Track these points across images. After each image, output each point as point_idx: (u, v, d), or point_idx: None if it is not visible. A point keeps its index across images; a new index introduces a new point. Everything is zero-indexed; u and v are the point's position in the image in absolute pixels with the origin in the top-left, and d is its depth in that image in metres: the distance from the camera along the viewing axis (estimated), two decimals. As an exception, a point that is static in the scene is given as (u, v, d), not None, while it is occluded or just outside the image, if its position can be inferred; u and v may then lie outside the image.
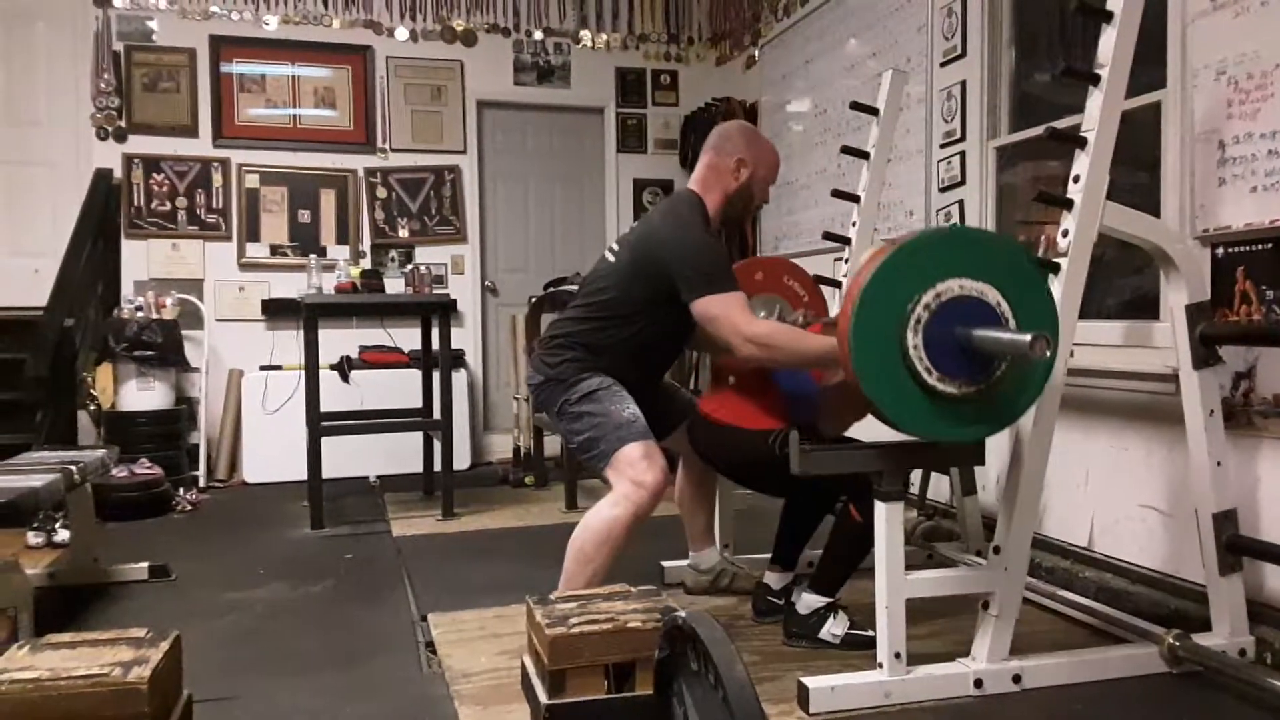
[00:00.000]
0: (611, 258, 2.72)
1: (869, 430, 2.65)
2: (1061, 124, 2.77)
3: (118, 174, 5.50)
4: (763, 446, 2.61)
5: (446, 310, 4.51)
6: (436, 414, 4.58)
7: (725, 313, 2.45)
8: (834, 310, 3.43)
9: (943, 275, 2.11)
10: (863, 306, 2.10)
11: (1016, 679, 2.33)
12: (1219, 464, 2.43)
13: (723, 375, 2.93)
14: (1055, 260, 2.36)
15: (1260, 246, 2.55)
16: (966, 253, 2.15)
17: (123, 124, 5.55)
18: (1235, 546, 2.42)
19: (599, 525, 2.47)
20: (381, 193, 5.98)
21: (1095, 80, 2.35)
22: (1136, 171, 3.01)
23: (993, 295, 2.12)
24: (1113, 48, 2.33)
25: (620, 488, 2.49)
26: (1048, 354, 2.01)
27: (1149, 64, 2.79)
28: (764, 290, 3.14)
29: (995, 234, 2.47)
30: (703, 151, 2.76)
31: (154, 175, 5.58)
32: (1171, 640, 2.39)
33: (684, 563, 3.20)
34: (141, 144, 5.58)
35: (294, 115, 5.88)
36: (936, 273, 2.11)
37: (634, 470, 2.48)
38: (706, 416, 2.82)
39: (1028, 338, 1.98)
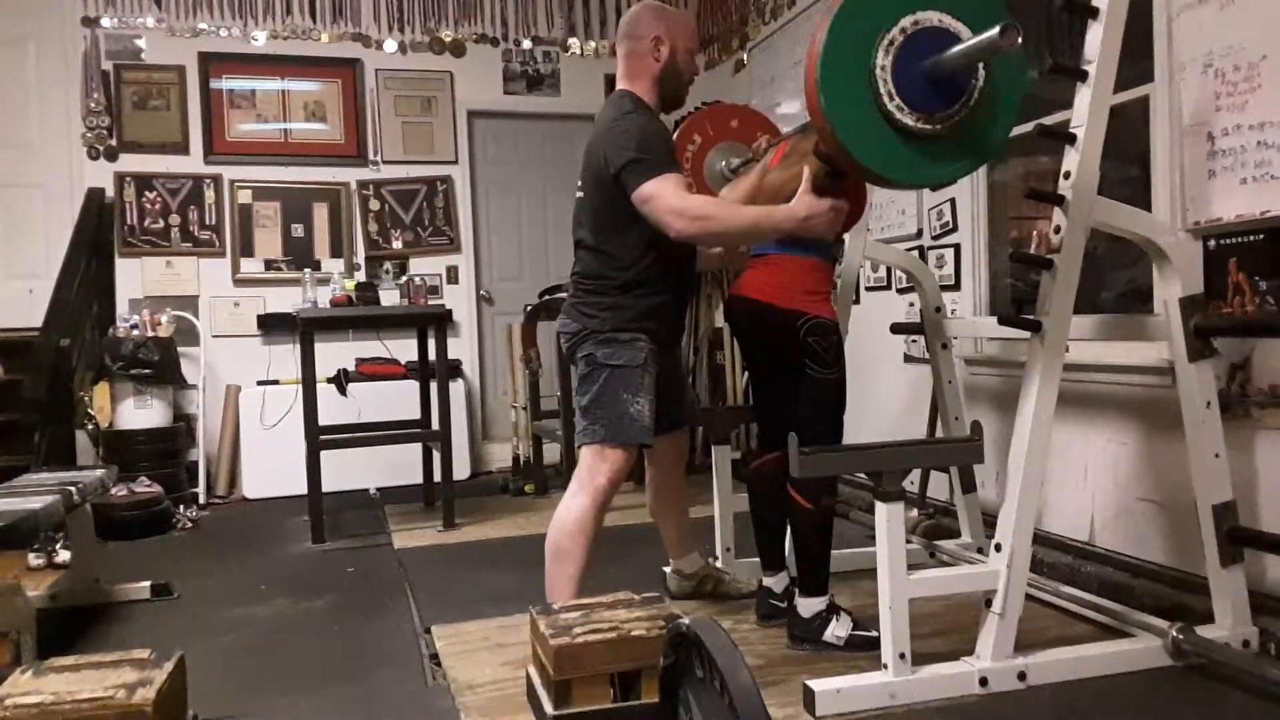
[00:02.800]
0: (580, 194, 2.65)
1: (872, 429, 2.66)
2: (1051, 120, 2.78)
3: (110, 193, 5.50)
4: (792, 325, 2.65)
5: (442, 321, 4.51)
6: (435, 424, 4.58)
7: (658, 192, 2.36)
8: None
9: (920, 5, 2.06)
10: (832, 36, 2.04)
11: (1022, 676, 2.33)
12: (1217, 455, 2.43)
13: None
14: (1048, 256, 2.37)
15: (1252, 237, 2.56)
16: None
17: (113, 143, 5.55)
18: (1236, 538, 2.42)
19: (568, 518, 2.50)
20: (374, 205, 5.98)
21: (1083, 76, 2.36)
22: (1127, 166, 3.02)
23: (968, 35, 2.07)
24: (1099, 43, 2.34)
25: (580, 477, 2.54)
26: (1019, 40, 1.92)
27: (1136, 58, 2.80)
28: (737, 138, 3.11)
29: None
30: (618, 44, 2.69)
31: (146, 193, 5.58)
32: (1175, 633, 2.39)
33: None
34: (133, 162, 5.58)
35: (285, 130, 5.88)
36: (911, 3, 2.07)
37: (604, 463, 2.51)
38: (744, 297, 2.80)
39: (995, 30, 1.91)
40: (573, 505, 2.52)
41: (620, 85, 2.67)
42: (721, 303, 4.25)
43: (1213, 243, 2.67)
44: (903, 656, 2.27)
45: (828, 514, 2.65)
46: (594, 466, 2.53)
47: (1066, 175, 2.37)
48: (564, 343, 2.69)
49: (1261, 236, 2.53)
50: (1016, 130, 3.60)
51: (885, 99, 2.05)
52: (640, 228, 2.48)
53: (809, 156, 2.43)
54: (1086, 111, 2.34)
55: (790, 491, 2.64)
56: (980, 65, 2.10)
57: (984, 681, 2.31)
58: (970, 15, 2.09)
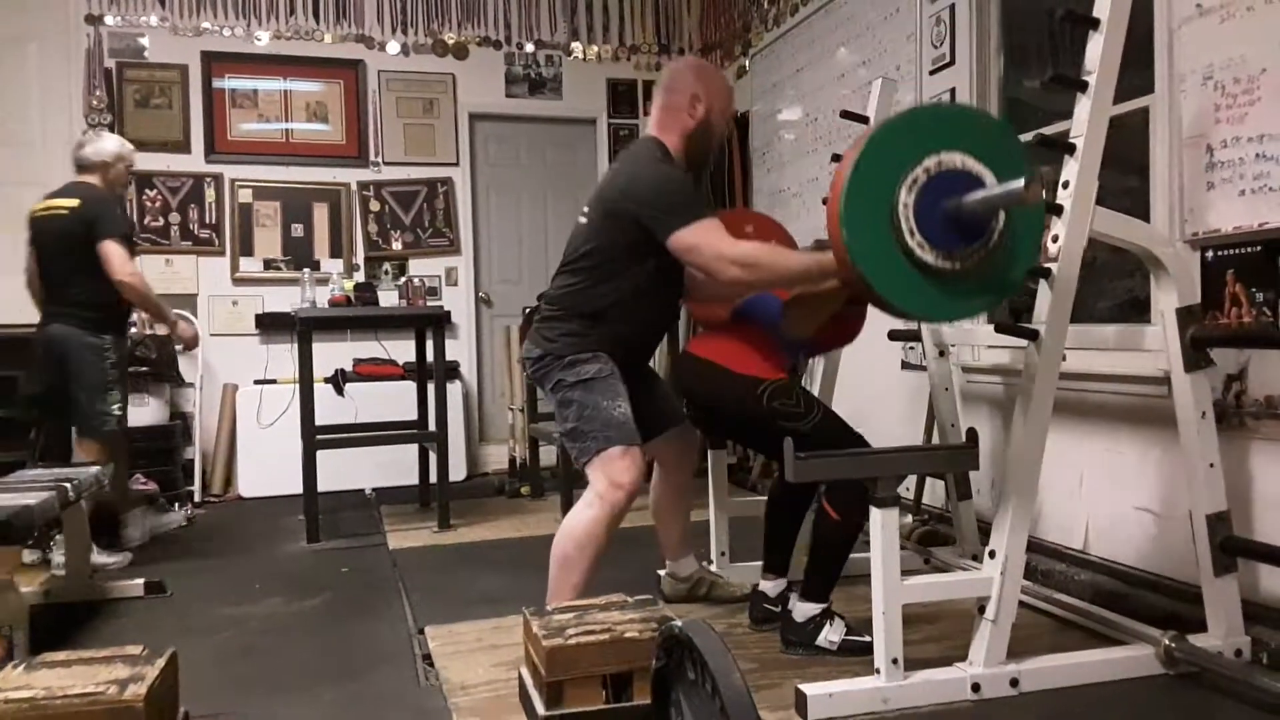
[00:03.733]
0: (584, 220, 2.67)
1: (869, 434, 2.66)
2: (1050, 130, 2.79)
3: (110, 190, 5.50)
4: (751, 394, 2.59)
5: (440, 322, 4.51)
6: (432, 426, 4.58)
7: (704, 239, 2.39)
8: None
9: (944, 147, 2.10)
10: (857, 174, 2.08)
11: (1014, 683, 2.33)
12: (1212, 465, 2.43)
13: (704, 324, 2.89)
14: (1045, 266, 2.37)
15: (1249, 249, 2.57)
16: (969, 131, 2.15)
17: (115, 140, 5.55)
18: (1229, 547, 2.42)
19: (578, 528, 2.49)
20: (374, 206, 5.99)
21: (1083, 87, 2.37)
22: (1126, 176, 3.03)
23: (991, 180, 2.11)
24: (1100, 54, 2.34)
25: (597, 486, 2.50)
26: (1043, 195, 1.97)
27: (1137, 69, 2.81)
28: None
29: (997, 119, 2.44)
30: (655, 93, 2.72)
31: (147, 191, 5.59)
32: (1167, 642, 2.39)
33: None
34: (134, 160, 5.57)
35: (286, 130, 5.89)
36: (938, 143, 2.10)
37: (612, 470, 2.48)
38: (695, 356, 2.79)
39: (1020, 183, 1.96)
40: (584, 517, 2.50)
41: (651, 132, 2.69)
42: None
43: (1210, 254, 2.67)
44: (895, 661, 2.27)
45: (855, 529, 2.59)
46: (609, 475, 2.50)
47: (1065, 185, 2.37)
48: (528, 369, 2.74)
49: (1259, 248, 2.54)
50: (1016, 139, 3.62)
51: (907, 236, 2.09)
52: (633, 272, 2.54)
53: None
54: (1086, 122, 2.35)
55: (822, 501, 2.62)
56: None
57: (976, 687, 2.31)
58: (992, 158, 2.14)
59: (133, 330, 4.95)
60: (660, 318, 2.76)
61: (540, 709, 1.73)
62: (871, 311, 4.38)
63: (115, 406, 3.87)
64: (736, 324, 2.80)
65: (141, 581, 3.46)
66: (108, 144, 4.03)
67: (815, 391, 3.45)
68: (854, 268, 2.12)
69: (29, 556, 3.88)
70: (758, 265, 2.39)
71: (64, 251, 3.86)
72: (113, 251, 3.79)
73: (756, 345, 2.72)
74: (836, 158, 3.53)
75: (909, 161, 2.09)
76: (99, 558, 3.78)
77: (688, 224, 2.41)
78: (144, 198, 5.58)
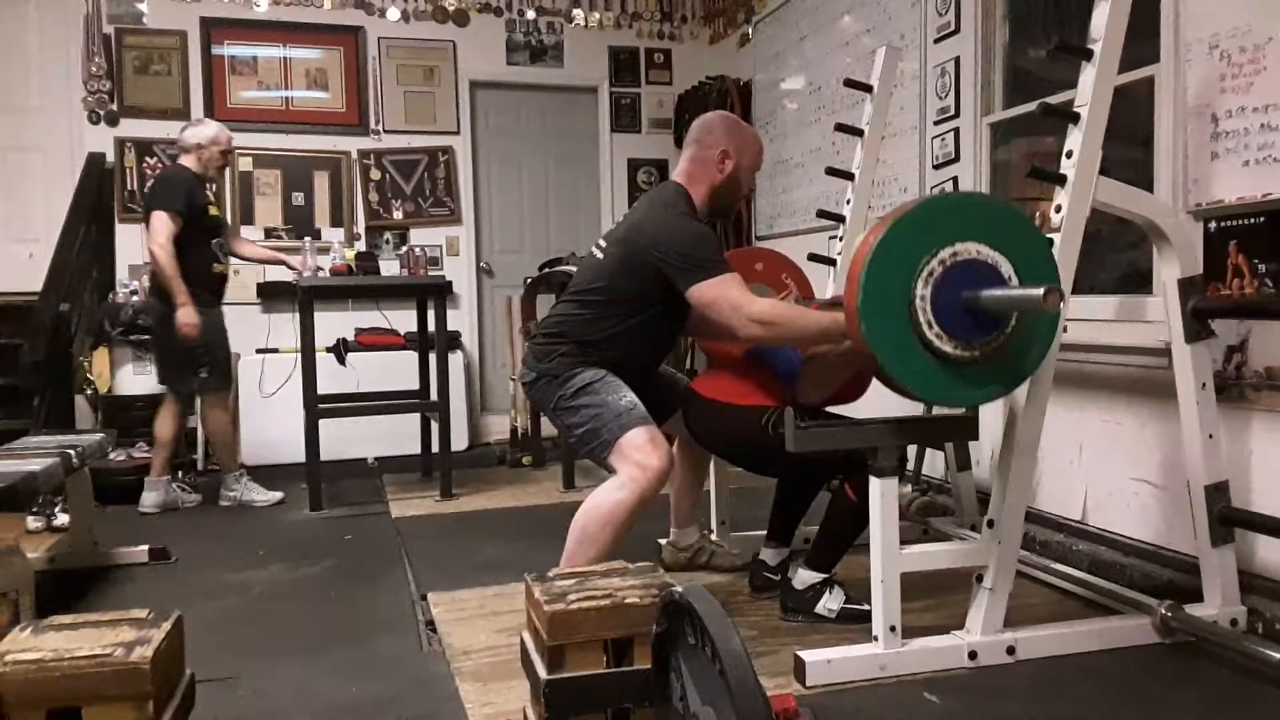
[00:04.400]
0: (599, 254, 2.69)
1: (868, 405, 2.67)
2: (1055, 99, 2.77)
3: (110, 158, 5.48)
4: (755, 424, 2.62)
5: (442, 292, 4.51)
6: (434, 395, 4.59)
7: (724, 294, 2.41)
8: (824, 293, 3.44)
9: (958, 237, 2.12)
10: (872, 268, 2.10)
11: (1011, 651, 2.35)
12: (1211, 437, 2.45)
13: (713, 359, 2.94)
14: (1049, 235, 2.37)
15: (1252, 220, 2.56)
16: (982, 219, 2.17)
17: (114, 107, 5.52)
18: (1227, 518, 2.44)
19: (603, 507, 2.46)
20: (375, 175, 5.96)
21: (1088, 55, 2.35)
22: (1131, 147, 3.02)
23: (1006, 268, 2.14)
24: (1105, 22, 2.33)
25: (626, 471, 2.46)
26: (1061, 306, 2.02)
27: (1142, 38, 2.78)
28: (761, 280, 3.15)
29: (1009, 204, 2.49)
30: (685, 144, 2.75)
31: (146, 159, 5.56)
32: (1164, 611, 2.41)
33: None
34: (133, 127, 5.55)
35: (286, 97, 5.85)
36: (952, 234, 2.13)
37: (640, 454, 2.46)
38: (700, 396, 2.83)
39: (1040, 291, 1.99)
40: (612, 499, 2.46)
41: (678, 180, 2.70)
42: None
43: (1213, 225, 2.67)
44: (893, 629, 2.30)
45: (868, 515, 2.62)
46: (635, 460, 2.46)
47: (1069, 154, 2.36)
48: (527, 393, 2.77)
49: (1262, 219, 2.53)
50: (1021, 110, 3.60)
51: (925, 327, 2.11)
52: (641, 312, 2.57)
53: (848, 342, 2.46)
54: (1091, 91, 2.34)
55: (844, 482, 2.62)
56: None
57: (973, 655, 2.33)
58: (1007, 245, 2.15)
59: (134, 299, 4.96)
60: (657, 349, 2.79)
61: (542, 672, 1.75)
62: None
63: (204, 370, 4.23)
64: (746, 362, 2.81)
65: (146, 548, 3.49)
66: (202, 129, 4.36)
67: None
68: (874, 359, 2.16)
69: (33, 523, 3.90)
70: (776, 324, 2.40)
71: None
72: (154, 221, 4.09)
73: (759, 379, 2.75)
74: (841, 128, 3.52)
75: (924, 254, 2.11)
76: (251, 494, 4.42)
77: (709, 278, 2.43)
78: (144, 165, 5.55)
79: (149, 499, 4.30)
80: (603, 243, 2.72)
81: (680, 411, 2.88)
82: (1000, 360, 2.19)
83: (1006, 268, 2.15)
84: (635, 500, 2.44)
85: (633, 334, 2.61)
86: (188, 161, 4.31)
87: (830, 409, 2.80)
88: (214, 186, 4.61)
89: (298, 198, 5.85)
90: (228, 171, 5.62)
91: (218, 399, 4.37)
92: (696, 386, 2.87)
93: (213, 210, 4.32)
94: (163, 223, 4.07)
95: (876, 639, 2.31)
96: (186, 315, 4.08)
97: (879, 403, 2.64)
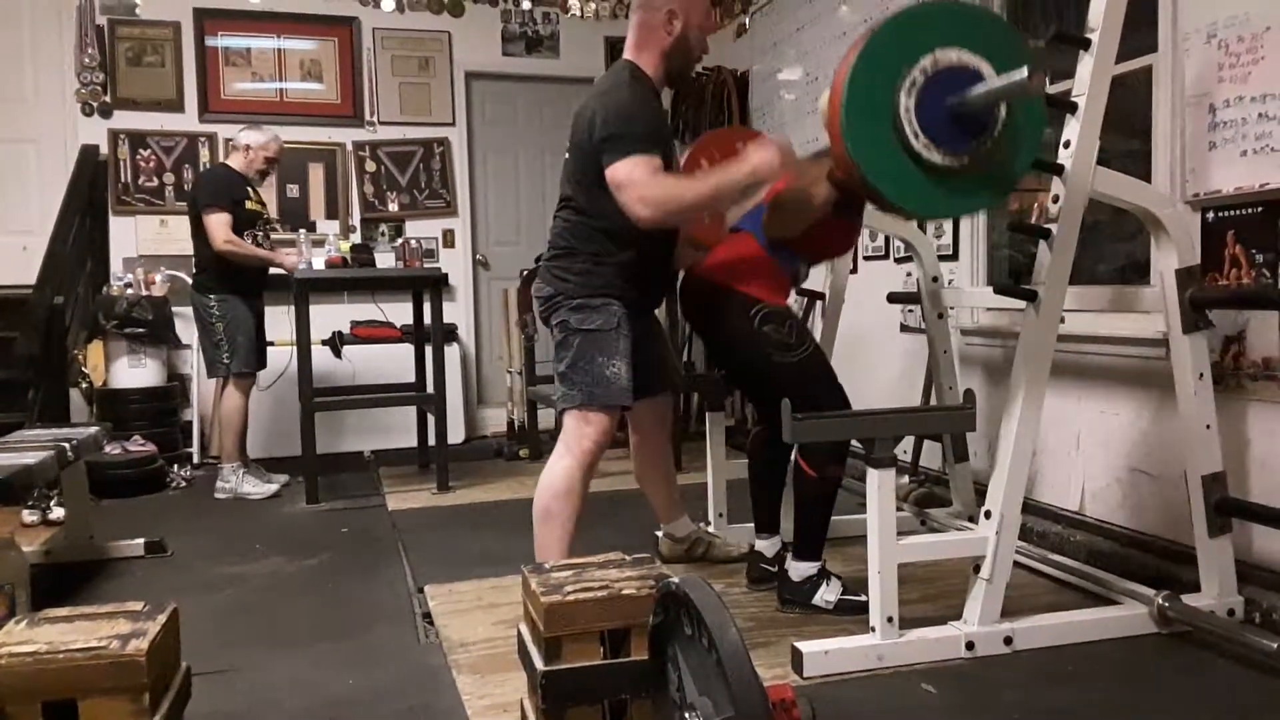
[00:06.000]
0: (567, 154, 2.64)
1: (862, 398, 2.66)
2: (1053, 89, 2.76)
3: (104, 150, 5.46)
4: (744, 313, 2.60)
5: (438, 284, 4.49)
6: (430, 388, 4.58)
7: (628, 179, 2.34)
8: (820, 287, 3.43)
9: (937, 44, 2.11)
10: (853, 85, 2.09)
11: (1008, 641, 2.36)
12: (1208, 427, 2.44)
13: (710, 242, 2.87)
14: (1045, 226, 2.36)
15: (1250, 210, 2.55)
16: (958, 25, 2.16)
17: (108, 99, 5.49)
18: (1224, 508, 2.44)
19: (555, 480, 2.53)
20: (370, 166, 5.94)
21: (1086, 45, 2.34)
22: (1129, 138, 3.01)
23: (988, 69, 2.12)
24: (1103, 12, 2.32)
25: (566, 437, 2.56)
26: (1046, 85, 2.00)
27: (1140, 27, 2.77)
28: None
29: (983, 7, 2.47)
30: (631, 13, 2.67)
31: (140, 151, 5.54)
32: (1161, 601, 2.42)
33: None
34: (127, 119, 5.53)
35: (280, 89, 5.83)
36: (930, 42, 2.11)
37: (585, 428, 2.53)
38: (697, 275, 2.77)
39: (1024, 74, 1.97)
40: (558, 469, 2.54)
41: (627, 55, 2.64)
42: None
43: (1211, 215, 2.66)
44: (890, 620, 2.30)
45: (833, 483, 2.64)
46: (578, 430, 2.55)
47: (1067, 144, 2.36)
48: (538, 307, 2.72)
49: (1260, 209, 2.53)
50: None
51: (911, 138, 2.10)
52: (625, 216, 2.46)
53: (822, 182, 2.44)
54: (1088, 80, 2.33)
55: (798, 459, 2.64)
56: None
57: (970, 645, 2.33)
58: (988, 49, 2.13)
59: (129, 291, 4.95)
60: (660, 244, 2.65)
61: (539, 664, 1.75)
62: (870, 283, 4.38)
63: (225, 355, 4.43)
64: (735, 243, 2.77)
65: (142, 541, 3.48)
66: (254, 134, 4.61)
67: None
68: (862, 177, 2.13)
69: (29, 517, 3.89)
70: (668, 201, 2.35)
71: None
72: (209, 223, 4.36)
73: (759, 268, 2.69)
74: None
75: (905, 64, 2.09)
76: (245, 486, 4.45)
77: (622, 157, 2.36)
78: (138, 158, 5.53)
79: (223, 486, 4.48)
80: (569, 142, 2.65)
81: (656, 399, 2.87)
82: (989, 167, 2.19)
83: (988, 69, 2.12)
84: (577, 466, 2.53)
85: (626, 223, 2.48)
86: (234, 159, 4.60)
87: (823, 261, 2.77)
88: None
89: (293, 190, 5.83)
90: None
91: (239, 383, 4.50)
92: (696, 268, 2.80)
93: (249, 205, 4.53)
94: (219, 222, 4.34)
95: (874, 630, 2.31)
96: (289, 261, 4.45)
97: (875, 394, 2.64)
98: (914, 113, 2.09)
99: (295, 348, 4.33)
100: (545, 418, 5.34)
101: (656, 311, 2.89)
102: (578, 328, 2.54)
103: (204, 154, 5.63)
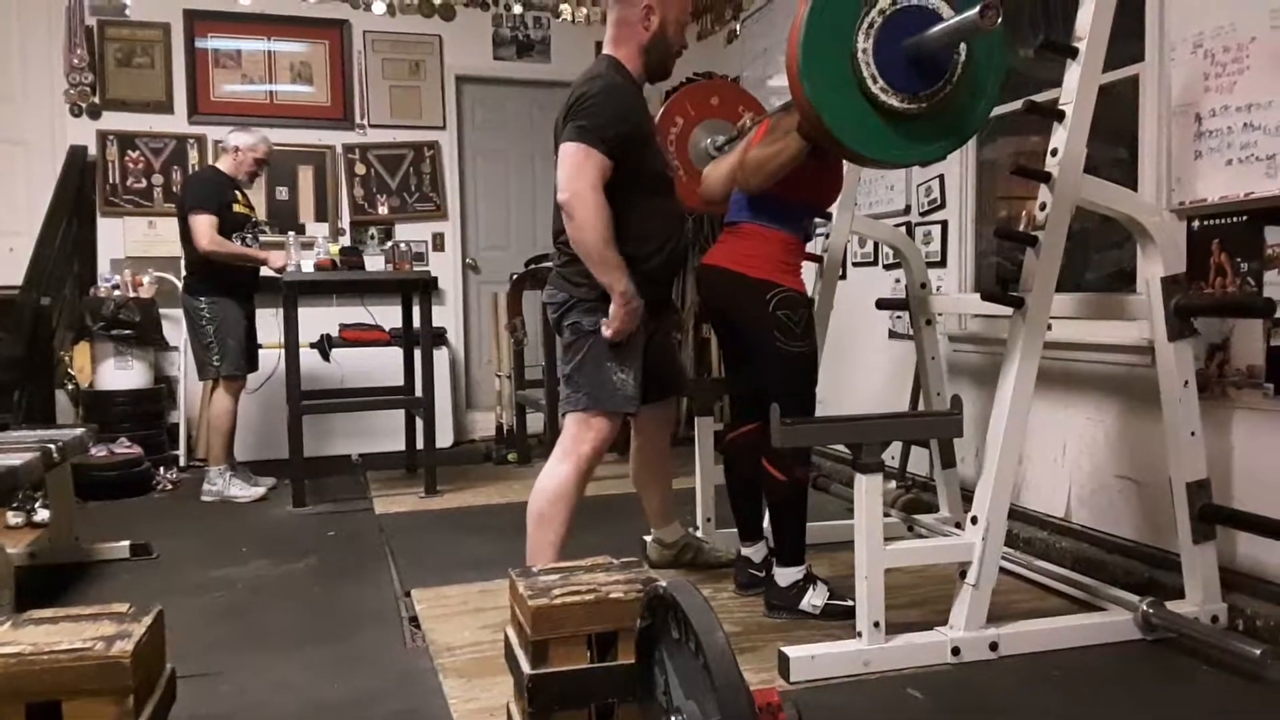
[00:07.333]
0: (555, 153, 2.61)
1: (850, 404, 2.67)
2: (1040, 98, 2.78)
3: (92, 151, 5.44)
4: (761, 297, 2.61)
5: (427, 288, 4.49)
6: (418, 392, 4.57)
7: (570, 158, 2.39)
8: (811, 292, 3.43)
9: None
10: (811, 24, 2.10)
11: (994, 646, 2.36)
12: (1193, 434, 2.46)
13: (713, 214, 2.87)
14: (1032, 233, 2.38)
15: (1235, 219, 2.58)
16: None
17: (96, 100, 5.48)
18: (1208, 515, 2.45)
19: (550, 484, 2.53)
20: (360, 169, 5.93)
21: (1073, 54, 2.36)
22: (1115, 147, 3.03)
23: (948, 10, 2.12)
24: (1091, 21, 2.33)
25: (565, 442, 2.55)
26: (999, 20, 1.97)
27: (1127, 37, 2.80)
28: (719, 115, 3.11)
29: None
30: (609, 8, 2.68)
31: (129, 152, 5.52)
32: (1146, 607, 2.43)
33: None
34: (116, 120, 5.51)
35: (270, 91, 5.82)
36: None
37: (586, 433, 2.53)
38: (711, 266, 2.78)
39: (975, 11, 1.96)
40: (555, 473, 2.53)
41: (606, 49, 2.65)
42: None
43: (1197, 223, 2.68)
44: (877, 625, 2.30)
45: (801, 484, 2.66)
46: (578, 435, 2.54)
47: (1054, 152, 2.37)
48: (550, 313, 2.68)
49: (1245, 218, 2.55)
50: (1006, 108, 3.61)
51: (869, 82, 2.09)
52: (615, 190, 2.46)
53: (792, 134, 2.44)
54: (1076, 89, 2.35)
55: (764, 463, 2.65)
56: (962, 43, 2.11)
57: (956, 651, 2.34)
58: None
59: (116, 292, 4.92)
60: (668, 228, 2.63)
61: (525, 667, 1.74)
62: (859, 289, 4.39)
63: (215, 358, 4.42)
64: (739, 234, 2.76)
65: (127, 544, 3.46)
66: (243, 135, 4.62)
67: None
68: (819, 121, 2.13)
69: (13, 518, 3.86)
70: (573, 197, 2.39)
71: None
72: (195, 225, 4.34)
73: (768, 248, 2.69)
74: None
75: (862, 5, 2.08)
76: (232, 489, 4.43)
77: (573, 139, 2.41)
78: (126, 159, 5.51)
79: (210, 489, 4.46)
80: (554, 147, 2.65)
81: (662, 404, 2.87)
82: (947, 114, 2.19)
83: (948, 11, 2.12)
84: (574, 471, 2.52)
85: (629, 214, 2.49)
86: (223, 162, 4.59)
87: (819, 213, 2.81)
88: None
89: (282, 192, 5.82)
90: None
91: (229, 386, 4.48)
92: (708, 258, 2.81)
93: (238, 207, 4.52)
94: (204, 224, 4.32)
95: (860, 635, 2.31)
96: (274, 260, 4.41)
97: (863, 400, 2.65)
98: (871, 55, 2.08)
99: (283, 350, 4.31)
100: (534, 422, 5.34)
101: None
102: (589, 330, 2.54)
103: (193, 156, 5.61)
